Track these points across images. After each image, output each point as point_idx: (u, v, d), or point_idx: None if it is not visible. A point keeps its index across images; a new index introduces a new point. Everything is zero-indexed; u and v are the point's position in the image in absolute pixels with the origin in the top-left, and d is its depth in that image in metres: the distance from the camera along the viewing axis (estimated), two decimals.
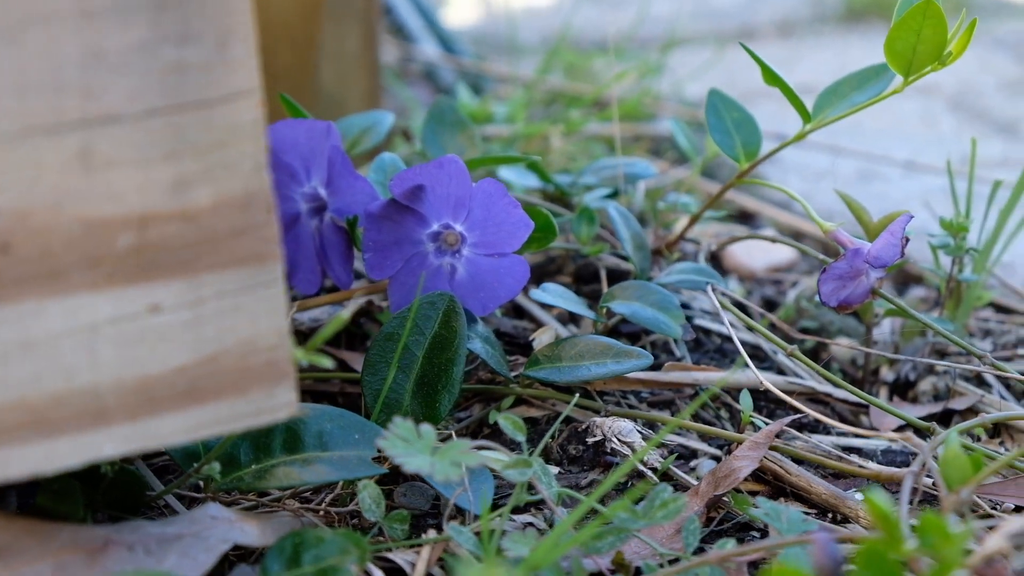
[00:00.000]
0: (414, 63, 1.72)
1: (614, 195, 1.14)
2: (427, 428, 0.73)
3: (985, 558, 0.68)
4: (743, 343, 1.06)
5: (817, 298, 0.92)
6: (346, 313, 0.67)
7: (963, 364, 1.00)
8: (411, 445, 0.73)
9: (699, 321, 1.07)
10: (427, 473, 0.71)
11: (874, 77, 0.98)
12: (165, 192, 0.61)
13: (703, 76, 1.64)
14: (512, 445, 0.91)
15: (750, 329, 0.99)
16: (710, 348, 1.05)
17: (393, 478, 0.86)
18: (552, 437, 0.91)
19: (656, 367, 0.98)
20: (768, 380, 0.98)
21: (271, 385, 0.66)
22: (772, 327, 1.10)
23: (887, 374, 1.05)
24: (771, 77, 0.96)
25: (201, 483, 0.81)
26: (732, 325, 0.99)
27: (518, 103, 1.42)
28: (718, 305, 0.96)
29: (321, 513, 0.82)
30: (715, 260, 1.26)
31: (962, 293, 1.06)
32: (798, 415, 0.90)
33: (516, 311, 1.08)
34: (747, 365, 0.92)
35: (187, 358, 0.64)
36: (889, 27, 0.91)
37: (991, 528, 0.79)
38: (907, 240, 0.92)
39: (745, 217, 1.40)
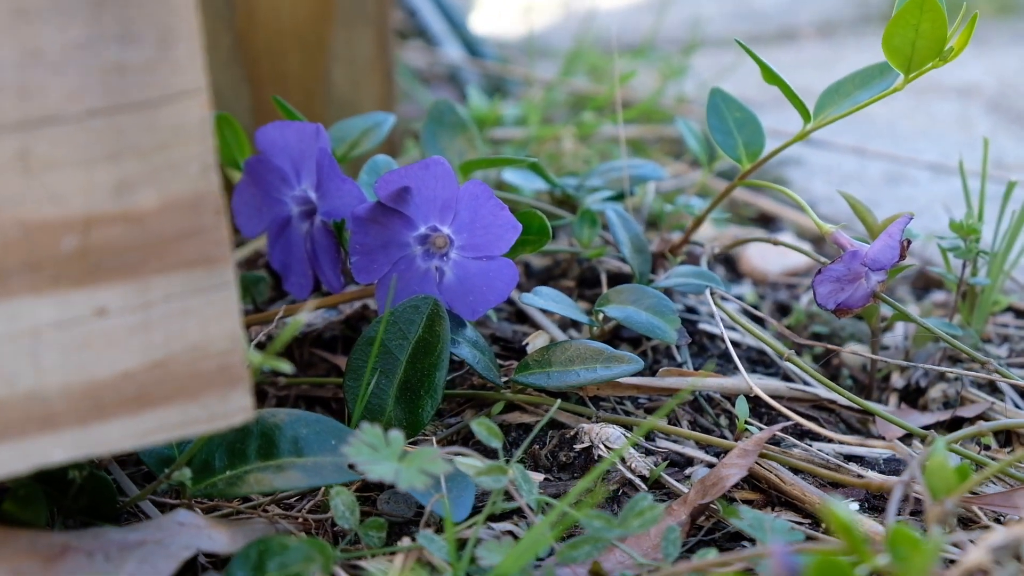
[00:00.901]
0: (439, 66, 1.71)
1: (619, 198, 1.11)
2: (396, 435, 0.72)
3: (965, 572, 0.65)
4: (749, 348, 1.04)
5: (814, 301, 0.90)
6: (303, 317, 0.65)
7: (974, 371, 0.97)
8: (378, 452, 0.71)
9: (704, 326, 1.05)
10: (391, 480, 0.70)
11: (878, 75, 0.95)
12: (108, 194, 0.60)
13: (731, 77, 1.61)
14: (495, 452, 0.89)
15: (753, 334, 0.96)
16: (714, 353, 1.03)
17: (379, 484, 0.85)
18: (541, 444, 0.89)
19: (656, 372, 0.96)
20: (772, 387, 0.96)
21: (225, 390, 0.65)
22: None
23: (897, 380, 1.02)
24: (770, 76, 0.94)
25: (178, 489, 0.80)
26: (728, 327, 0.97)
27: (532, 105, 1.40)
28: (715, 309, 0.94)
29: (300, 520, 0.81)
30: (729, 264, 1.24)
31: (977, 298, 1.03)
32: (790, 422, 0.87)
33: (518, 316, 1.07)
34: (738, 369, 0.90)
35: (136, 362, 0.63)
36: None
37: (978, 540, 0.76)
38: (908, 243, 0.90)
39: (766, 220, 1.37)
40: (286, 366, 0.66)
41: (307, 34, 1.27)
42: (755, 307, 1.13)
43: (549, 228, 0.93)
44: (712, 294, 0.96)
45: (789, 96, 0.94)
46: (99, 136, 0.59)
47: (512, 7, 2.37)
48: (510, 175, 1.13)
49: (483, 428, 0.76)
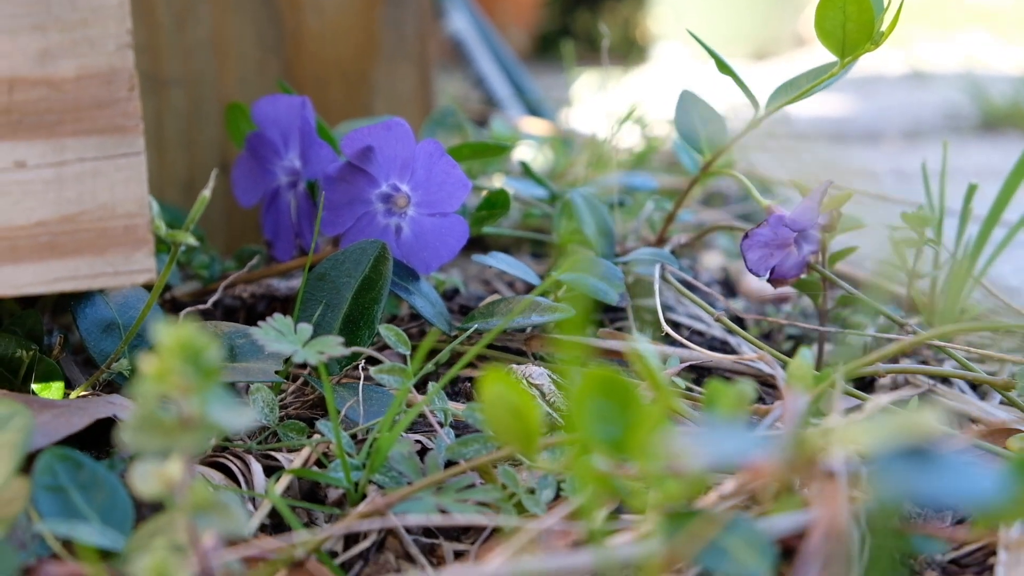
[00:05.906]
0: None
1: (610, 207, 1.17)
2: (304, 326, 0.79)
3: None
4: (713, 338, 1.08)
5: (746, 267, 0.94)
6: (207, 194, 0.73)
7: (927, 366, 0.99)
8: (284, 336, 0.78)
9: (671, 315, 1.09)
10: (289, 353, 0.76)
11: (833, 69, 1.00)
12: (32, 60, 0.70)
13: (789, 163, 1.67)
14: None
15: (688, 297, 1.00)
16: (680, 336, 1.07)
17: (320, 413, 0.91)
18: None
19: None
20: (716, 359, 1.00)
21: (130, 249, 0.73)
22: (765, 336, 1.12)
23: None
24: (723, 67, 1.00)
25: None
26: (659, 299, 1.01)
27: (557, 140, 1.48)
28: (657, 279, 0.99)
29: None
30: (728, 286, 1.28)
31: (936, 299, 1.06)
32: (695, 359, 0.91)
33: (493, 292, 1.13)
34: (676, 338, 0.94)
35: (49, 214, 0.71)
36: None
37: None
38: (839, 214, 0.94)
39: None
40: (191, 239, 0.74)
41: (350, 67, 1.38)
42: (695, 277, 1.17)
43: (510, 200, 1.00)
44: (662, 268, 1.01)
45: (740, 85, 1.00)
46: (27, 8, 0.69)
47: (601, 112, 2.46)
48: (512, 182, 1.20)
49: (392, 333, 0.82)
